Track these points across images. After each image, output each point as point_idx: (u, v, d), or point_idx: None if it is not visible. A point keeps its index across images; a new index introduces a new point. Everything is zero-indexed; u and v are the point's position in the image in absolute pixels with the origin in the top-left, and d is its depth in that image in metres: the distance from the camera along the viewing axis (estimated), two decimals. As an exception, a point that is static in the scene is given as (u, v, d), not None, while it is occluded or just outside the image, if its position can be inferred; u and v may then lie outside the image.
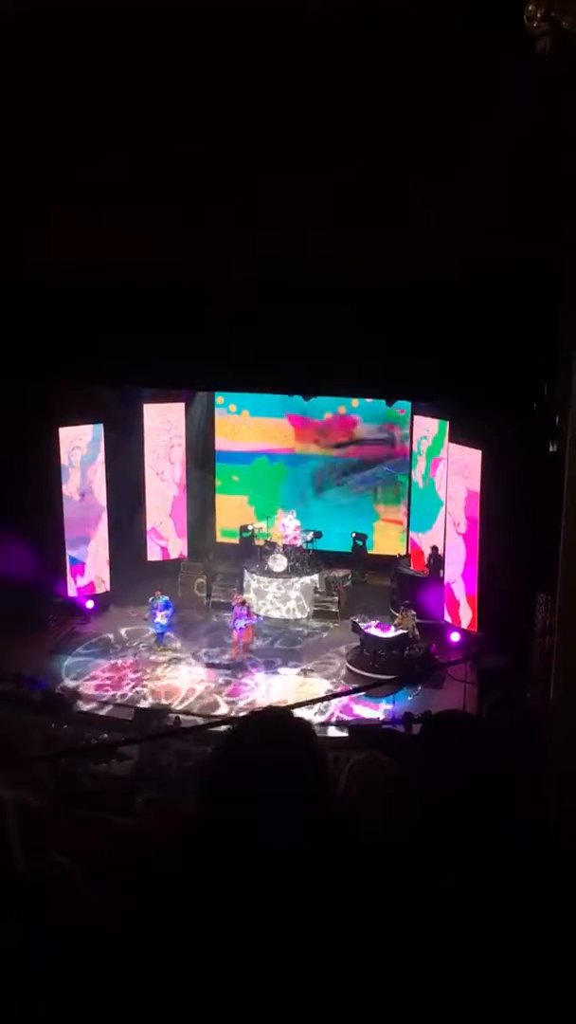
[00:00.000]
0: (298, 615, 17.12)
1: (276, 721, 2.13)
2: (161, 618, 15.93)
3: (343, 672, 15.34)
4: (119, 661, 15.70)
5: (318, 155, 8.12)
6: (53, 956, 2.35)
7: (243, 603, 16.24)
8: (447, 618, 15.97)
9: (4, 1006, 2.27)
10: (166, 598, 16.10)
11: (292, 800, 1.94)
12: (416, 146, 7.97)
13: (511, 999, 2.00)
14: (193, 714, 14.08)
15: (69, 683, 14.92)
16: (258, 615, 16.65)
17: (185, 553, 18.24)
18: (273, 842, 1.90)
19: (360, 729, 13.36)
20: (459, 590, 15.75)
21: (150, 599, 16.12)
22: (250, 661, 15.68)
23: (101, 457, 16.81)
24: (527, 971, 2.02)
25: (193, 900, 1.93)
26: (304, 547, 17.53)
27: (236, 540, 18.45)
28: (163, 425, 18.02)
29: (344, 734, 13.35)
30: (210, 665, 15.59)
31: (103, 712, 14.20)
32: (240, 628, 15.81)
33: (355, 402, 18.23)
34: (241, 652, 15.78)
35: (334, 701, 14.30)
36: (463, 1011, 1.95)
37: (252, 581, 17.27)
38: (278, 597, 17.13)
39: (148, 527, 18.05)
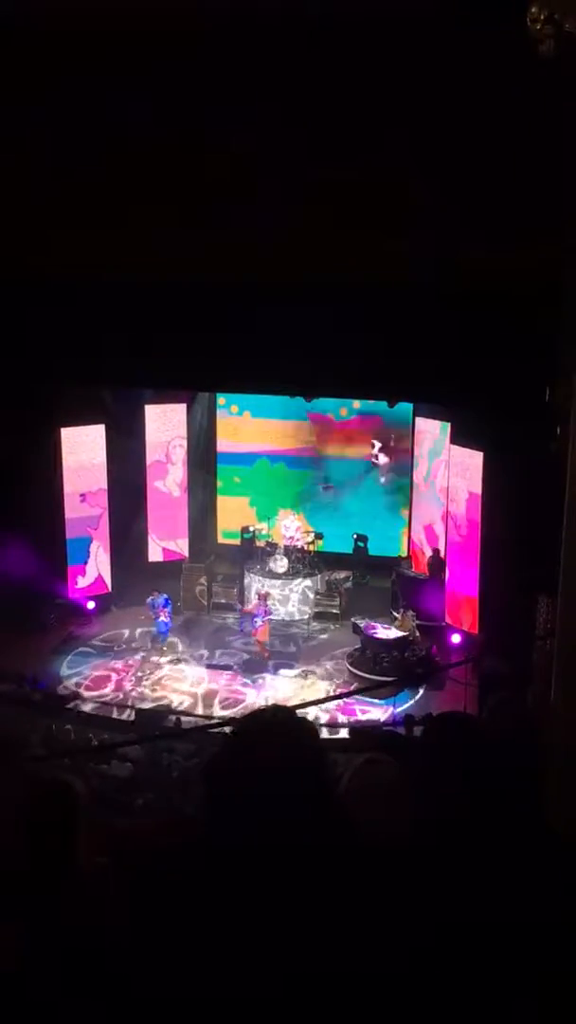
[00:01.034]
0: (299, 616, 17.10)
1: (278, 721, 2.12)
2: (164, 616, 15.89)
3: (344, 674, 15.33)
4: (120, 662, 15.69)
5: (318, 155, 8.12)
6: (69, 955, 2.36)
7: (265, 598, 16.22)
8: (448, 620, 15.96)
9: (17, 1005, 2.27)
10: (165, 596, 16.08)
11: (294, 801, 1.94)
12: (416, 146, 7.97)
13: (511, 998, 2.00)
14: (194, 715, 14.07)
15: (69, 684, 14.92)
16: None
17: (186, 554, 18.23)
18: (275, 842, 1.89)
19: (361, 731, 13.35)
20: (460, 592, 15.74)
21: (149, 599, 16.08)
22: (248, 663, 15.66)
23: (102, 458, 16.80)
24: (527, 970, 2.02)
25: (194, 900, 1.93)
26: (305, 548, 17.50)
27: (237, 541, 18.44)
28: (164, 426, 18.02)
29: (345, 736, 13.34)
30: (211, 666, 15.57)
31: (103, 713, 14.19)
32: (258, 625, 15.78)
33: (356, 403, 18.21)
34: (259, 649, 15.76)
35: (335, 703, 14.29)
36: (463, 1011, 1.95)
37: (253, 582, 17.26)
38: (279, 598, 17.10)
39: (149, 528, 18.04)
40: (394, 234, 8.30)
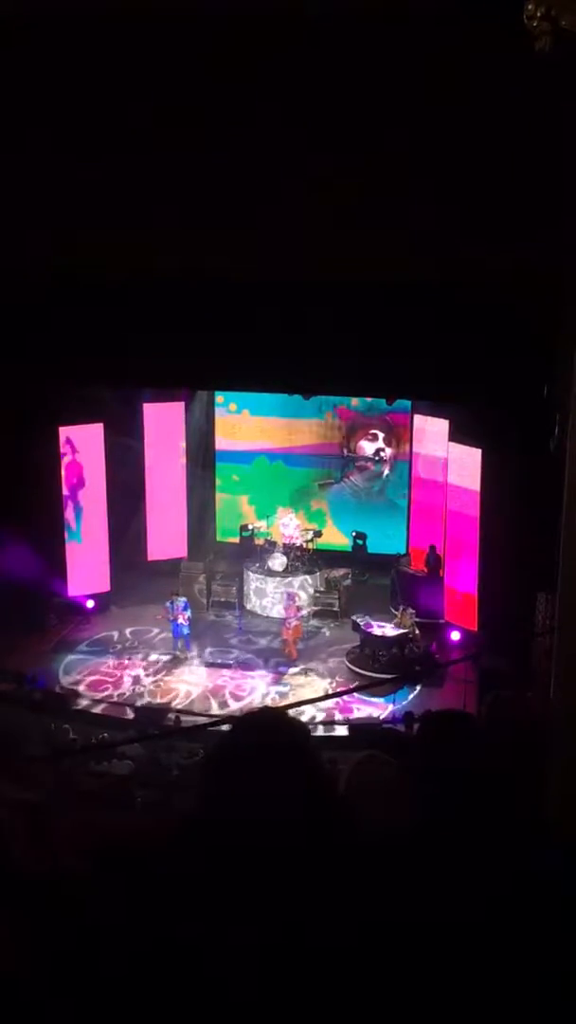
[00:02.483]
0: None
1: (270, 721, 2.13)
2: (183, 619, 15.81)
3: (343, 671, 15.33)
4: (119, 660, 15.69)
5: (318, 155, 8.13)
6: (55, 955, 2.36)
7: (294, 599, 16.22)
8: (447, 617, 15.97)
9: (7, 1006, 2.27)
10: (184, 599, 16.02)
11: (287, 800, 1.94)
12: (416, 146, 7.98)
13: (510, 998, 2.00)
14: (193, 713, 14.07)
15: (69, 683, 14.92)
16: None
17: (185, 553, 18.22)
18: (270, 842, 1.90)
19: (360, 728, 13.36)
20: (459, 589, 15.75)
21: (168, 603, 15.97)
22: (250, 661, 15.67)
23: (101, 457, 16.80)
24: (526, 970, 2.03)
25: (192, 900, 1.94)
26: (304, 546, 17.51)
27: (236, 539, 18.44)
28: (163, 425, 18.01)
29: (344, 733, 13.34)
30: (211, 665, 15.58)
31: (104, 711, 14.19)
32: (292, 625, 15.78)
33: (355, 401, 18.22)
34: (291, 648, 15.77)
35: (334, 700, 14.29)
36: (463, 1010, 1.96)
37: (252, 580, 17.27)
38: (277, 596, 17.09)
39: (148, 527, 18.03)
40: (394, 234, 8.30)
